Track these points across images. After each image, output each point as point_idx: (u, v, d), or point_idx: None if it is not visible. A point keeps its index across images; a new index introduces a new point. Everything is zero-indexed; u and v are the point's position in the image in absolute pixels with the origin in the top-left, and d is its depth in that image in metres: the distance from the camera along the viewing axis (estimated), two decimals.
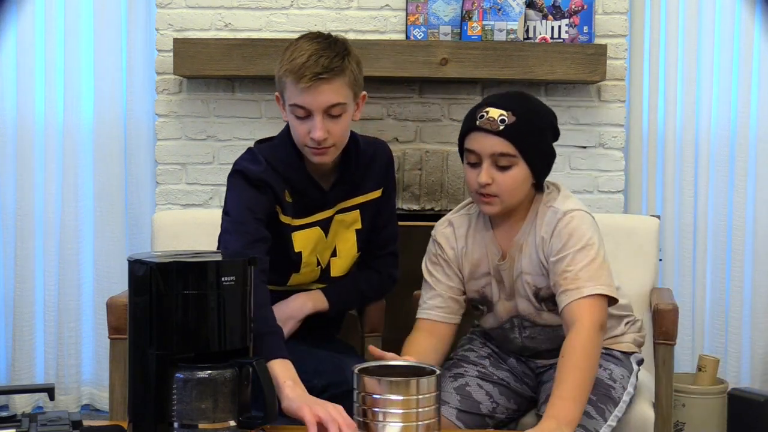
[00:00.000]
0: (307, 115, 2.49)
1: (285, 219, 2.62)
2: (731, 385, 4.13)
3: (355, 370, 2.06)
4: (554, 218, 2.49)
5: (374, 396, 2.01)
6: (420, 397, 2.01)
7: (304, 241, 2.65)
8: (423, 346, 2.57)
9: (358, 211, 2.73)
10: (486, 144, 2.44)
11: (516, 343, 2.68)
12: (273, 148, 2.67)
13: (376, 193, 2.76)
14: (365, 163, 2.71)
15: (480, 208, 2.56)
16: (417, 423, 2.01)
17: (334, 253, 2.72)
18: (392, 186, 2.84)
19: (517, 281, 2.57)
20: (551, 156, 2.55)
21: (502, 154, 2.43)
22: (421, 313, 2.65)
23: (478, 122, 2.45)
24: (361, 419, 2.03)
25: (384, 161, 2.77)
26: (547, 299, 2.55)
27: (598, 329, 2.38)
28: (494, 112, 2.43)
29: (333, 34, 2.58)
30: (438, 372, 2.07)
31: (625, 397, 2.56)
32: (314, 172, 2.63)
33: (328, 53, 2.47)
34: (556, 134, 2.57)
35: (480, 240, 2.60)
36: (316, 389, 2.39)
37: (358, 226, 2.74)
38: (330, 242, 2.70)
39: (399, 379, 2.04)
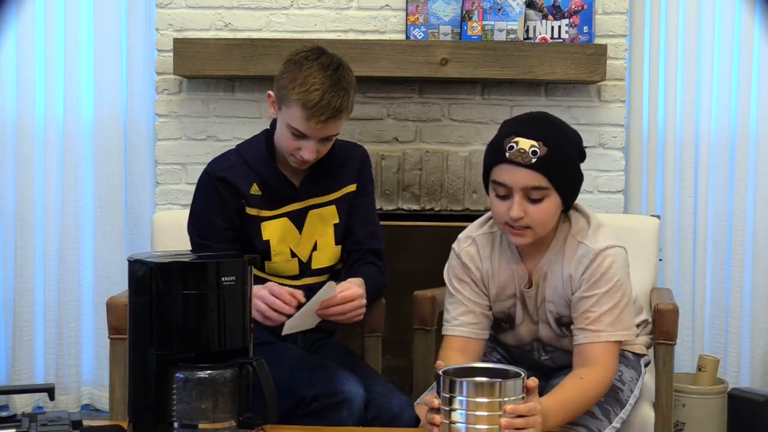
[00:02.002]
0: (303, 136, 2.62)
1: (251, 211, 2.73)
2: (731, 385, 4.12)
3: (440, 372, 2.07)
4: (586, 258, 2.43)
5: (459, 398, 2.02)
6: (505, 399, 2.01)
7: (271, 230, 2.74)
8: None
9: (334, 206, 2.81)
10: (518, 177, 2.34)
11: (535, 362, 2.66)
12: (249, 143, 2.84)
13: (351, 188, 2.84)
14: (339, 162, 2.82)
15: (509, 239, 2.48)
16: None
17: (315, 248, 2.79)
18: (369, 184, 2.91)
19: (540, 307, 2.54)
20: (580, 180, 2.46)
21: (535, 188, 2.34)
22: (451, 330, 2.57)
23: (508, 154, 2.34)
24: (445, 421, 2.04)
25: (358, 160, 2.86)
26: (569, 325, 2.53)
27: (613, 376, 2.41)
28: (524, 143, 2.32)
29: (336, 56, 2.65)
30: (523, 375, 2.07)
31: (632, 400, 2.56)
32: (285, 168, 2.75)
33: (339, 91, 2.57)
34: (582, 156, 2.48)
35: (506, 263, 2.54)
36: (306, 400, 2.48)
37: (336, 220, 2.81)
38: (308, 237, 2.78)
39: (484, 380, 2.06)
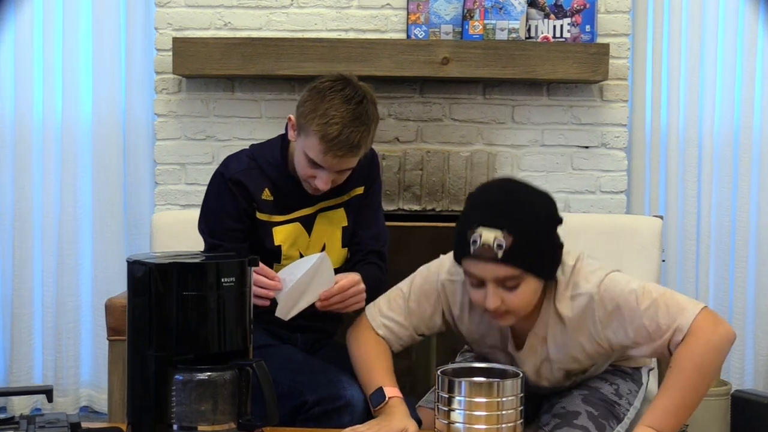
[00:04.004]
0: (319, 166, 2.60)
1: (262, 216, 2.72)
2: (734, 387, 4.12)
3: (438, 372, 2.07)
4: (591, 302, 2.31)
5: (458, 398, 2.03)
6: (504, 399, 2.02)
7: (283, 235, 2.73)
8: (389, 363, 2.51)
9: (342, 209, 2.80)
10: (487, 271, 2.25)
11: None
12: (264, 146, 2.82)
13: (359, 190, 2.83)
14: None
15: (493, 321, 2.40)
16: (500, 425, 2.02)
17: (323, 250, 2.76)
18: (377, 186, 2.91)
19: (542, 366, 2.46)
20: (558, 250, 2.34)
21: (507, 278, 2.25)
22: (377, 322, 2.56)
23: (472, 249, 2.23)
24: (444, 421, 2.04)
25: (367, 162, 2.81)
26: (579, 373, 2.49)
27: (715, 333, 2.21)
28: (488, 236, 2.21)
29: (361, 89, 2.60)
30: (522, 375, 2.07)
31: (631, 413, 2.53)
32: (296, 174, 2.71)
33: (359, 127, 2.54)
34: (557, 221, 2.34)
35: (487, 320, 2.45)
36: (308, 404, 2.48)
37: (344, 223, 2.81)
38: (317, 240, 2.77)
39: (483, 380, 2.07)
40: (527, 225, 2.25)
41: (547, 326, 2.39)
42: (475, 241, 2.23)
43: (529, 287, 2.28)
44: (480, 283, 2.29)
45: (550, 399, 2.57)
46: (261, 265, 2.55)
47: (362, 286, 2.61)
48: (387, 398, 2.35)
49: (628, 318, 2.28)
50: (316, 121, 2.53)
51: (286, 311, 2.53)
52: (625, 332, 2.29)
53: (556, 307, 2.36)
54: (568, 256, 2.39)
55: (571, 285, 2.35)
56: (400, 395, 2.39)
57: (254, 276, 2.50)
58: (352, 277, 2.61)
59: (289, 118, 2.69)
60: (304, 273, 2.51)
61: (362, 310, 2.66)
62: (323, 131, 2.52)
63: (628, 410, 2.53)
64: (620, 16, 4.09)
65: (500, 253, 2.21)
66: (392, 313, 2.55)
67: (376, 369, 2.47)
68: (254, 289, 2.47)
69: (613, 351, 2.40)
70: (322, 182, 2.61)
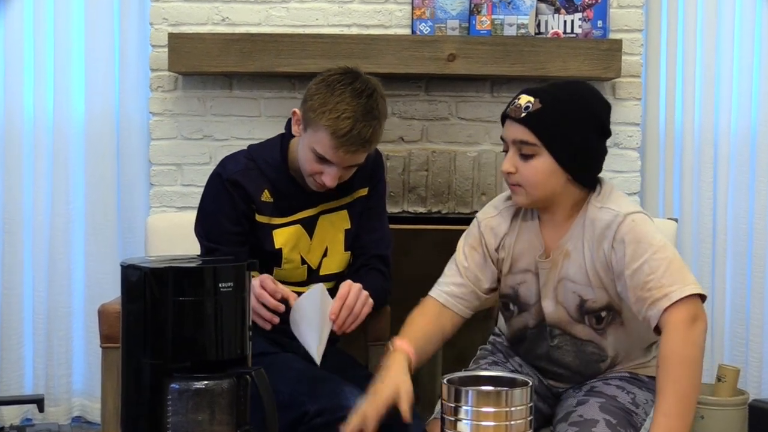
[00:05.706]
0: (327, 161, 2.60)
1: (261, 218, 2.72)
2: (752, 396, 4.11)
3: (444, 381, 2.06)
4: (614, 222, 2.36)
5: (465, 408, 2.01)
6: (513, 409, 2.00)
7: (284, 237, 2.73)
8: (423, 332, 2.52)
9: (345, 211, 2.81)
10: (510, 131, 2.40)
11: (541, 350, 2.60)
12: (263, 146, 2.82)
13: (362, 192, 2.83)
14: None
15: (515, 198, 2.49)
16: None
17: (325, 254, 2.79)
18: (381, 188, 2.91)
19: (559, 285, 2.48)
20: (588, 150, 2.42)
21: (523, 142, 2.37)
22: (435, 292, 2.59)
23: (508, 110, 2.42)
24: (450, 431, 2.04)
25: (370, 162, 2.81)
26: (592, 313, 2.46)
27: (693, 330, 2.25)
28: (523, 99, 2.38)
29: (370, 82, 2.61)
30: (531, 384, 2.05)
31: (647, 423, 2.50)
32: (297, 175, 2.73)
33: (371, 121, 2.56)
34: (600, 128, 2.44)
35: (526, 231, 2.52)
36: (309, 414, 2.48)
37: (347, 225, 2.81)
38: (319, 243, 2.78)
39: (491, 389, 2.06)
40: (562, 102, 2.39)
41: (576, 239, 2.44)
42: (513, 102, 2.41)
43: (542, 164, 2.37)
44: (506, 151, 2.43)
45: (565, 404, 2.54)
46: (266, 278, 2.55)
47: (357, 285, 2.61)
48: (391, 349, 2.42)
49: (637, 254, 2.32)
50: (327, 116, 2.54)
51: (319, 355, 2.55)
52: (625, 265, 2.33)
53: (586, 212, 2.44)
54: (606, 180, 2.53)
55: (603, 198, 2.43)
56: (408, 348, 2.41)
57: (257, 291, 2.52)
58: (343, 285, 2.61)
59: (294, 113, 2.68)
60: (316, 312, 2.53)
61: (370, 317, 2.66)
62: (334, 126, 2.52)
63: (644, 420, 2.50)
64: (633, 11, 4.08)
65: (524, 114, 2.36)
66: (449, 279, 2.59)
67: (405, 326, 2.52)
68: (257, 307, 2.52)
69: (614, 284, 2.42)
70: (329, 178, 2.60)
